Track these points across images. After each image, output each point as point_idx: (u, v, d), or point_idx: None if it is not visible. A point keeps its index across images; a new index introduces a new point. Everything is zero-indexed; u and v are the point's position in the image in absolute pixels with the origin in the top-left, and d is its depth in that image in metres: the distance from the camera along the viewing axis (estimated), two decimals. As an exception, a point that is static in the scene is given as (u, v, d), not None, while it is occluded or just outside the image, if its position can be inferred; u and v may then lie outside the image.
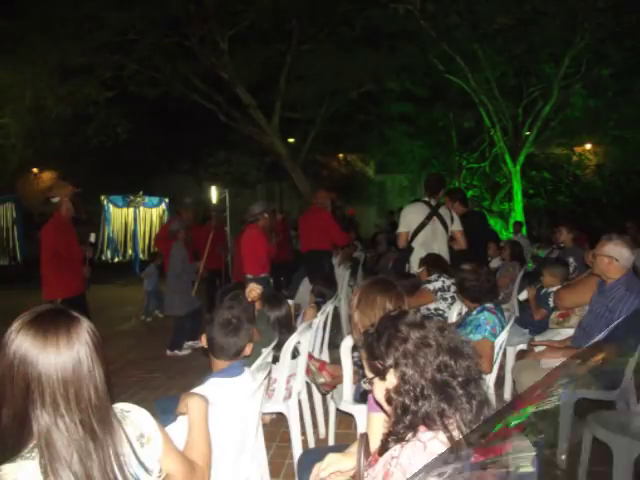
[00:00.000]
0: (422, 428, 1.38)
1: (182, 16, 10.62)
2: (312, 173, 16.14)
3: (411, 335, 1.46)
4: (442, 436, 1.35)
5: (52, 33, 10.22)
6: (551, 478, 3.20)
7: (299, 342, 3.38)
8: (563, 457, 3.30)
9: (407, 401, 1.41)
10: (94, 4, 9.94)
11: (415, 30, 11.09)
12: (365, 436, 1.73)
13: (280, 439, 3.84)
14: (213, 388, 2.04)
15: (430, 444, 1.34)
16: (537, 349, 3.85)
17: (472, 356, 1.46)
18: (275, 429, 3.98)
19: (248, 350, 2.35)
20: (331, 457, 1.86)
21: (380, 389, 1.52)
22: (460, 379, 1.40)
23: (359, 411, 2.97)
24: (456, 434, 1.34)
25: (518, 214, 12.91)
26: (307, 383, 3.81)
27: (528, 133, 13.04)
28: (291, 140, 14.59)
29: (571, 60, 11.40)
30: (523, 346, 4.51)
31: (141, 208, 11.89)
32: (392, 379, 1.47)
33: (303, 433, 3.61)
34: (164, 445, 1.42)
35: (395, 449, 1.39)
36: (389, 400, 1.47)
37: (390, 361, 1.46)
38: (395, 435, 1.42)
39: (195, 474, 1.54)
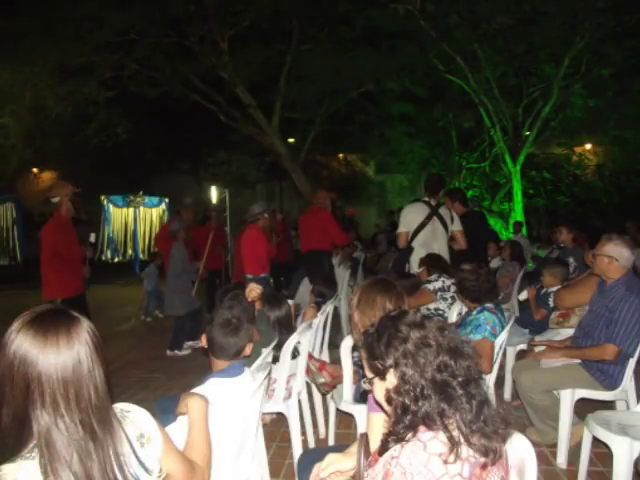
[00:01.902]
0: (422, 428, 1.38)
1: (182, 16, 10.61)
2: (312, 173, 16.13)
3: (411, 335, 1.46)
4: (442, 436, 1.35)
5: (52, 33, 10.22)
6: (551, 478, 3.21)
7: (299, 342, 3.38)
8: (563, 457, 3.32)
9: (407, 401, 1.40)
10: (94, 4, 9.94)
11: (415, 30, 11.07)
12: (365, 436, 1.73)
13: (280, 439, 3.84)
14: (213, 388, 2.05)
15: (430, 444, 1.34)
16: (537, 349, 3.86)
17: (472, 356, 1.46)
18: (275, 429, 3.98)
19: (248, 350, 2.35)
20: (331, 457, 1.86)
21: (380, 389, 1.52)
22: (460, 379, 1.40)
23: (359, 411, 2.97)
24: (456, 434, 1.34)
25: (518, 214, 12.91)
26: (307, 383, 3.81)
27: (528, 133, 13.04)
28: (291, 140, 14.58)
29: (571, 60, 11.40)
30: (523, 346, 4.53)
31: (141, 208, 11.88)
32: (392, 379, 1.47)
33: (303, 433, 3.61)
34: (164, 445, 1.42)
35: (395, 449, 1.39)
36: (389, 400, 1.47)
37: (390, 361, 1.46)
38: (395, 435, 1.42)
39: (195, 474, 1.54)
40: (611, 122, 13.18)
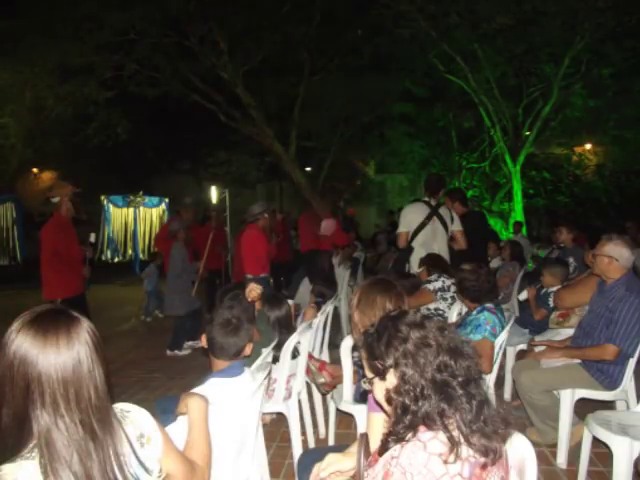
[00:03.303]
0: (422, 428, 1.39)
1: (182, 16, 10.62)
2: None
3: (411, 335, 1.46)
4: (442, 436, 1.35)
5: (52, 33, 10.22)
6: (551, 478, 3.22)
7: (299, 342, 3.38)
8: (563, 457, 3.32)
9: (407, 401, 1.41)
10: (94, 4, 9.93)
11: (415, 31, 11.09)
12: (365, 436, 1.73)
13: (280, 439, 3.85)
14: (213, 388, 2.05)
15: (430, 444, 1.34)
16: (537, 349, 3.86)
17: (472, 356, 1.47)
18: (275, 429, 3.99)
19: (248, 350, 2.35)
20: (331, 457, 1.87)
21: (380, 389, 1.53)
22: (460, 379, 1.40)
23: (359, 411, 2.97)
24: (456, 434, 1.35)
25: (518, 214, 12.91)
26: (307, 383, 3.81)
27: (528, 133, 13.03)
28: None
29: (571, 60, 11.40)
30: (523, 346, 4.53)
31: (141, 208, 11.90)
32: (392, 379, 1.47)
33: (303, 433, 3.61)
34: (164, 445, 1.42)
35: (395, 449, 1.39)
36: (389, 400, 1.48)
37: (390, 361, 1.47)
38: (395, 435, 1.42)
39: (195, 474, 1.54)
40: (611, 122, 13.18)
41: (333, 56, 11.96)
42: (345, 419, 3.67)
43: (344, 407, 3.26)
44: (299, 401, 3.59)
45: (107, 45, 10.53)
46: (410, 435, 1.39)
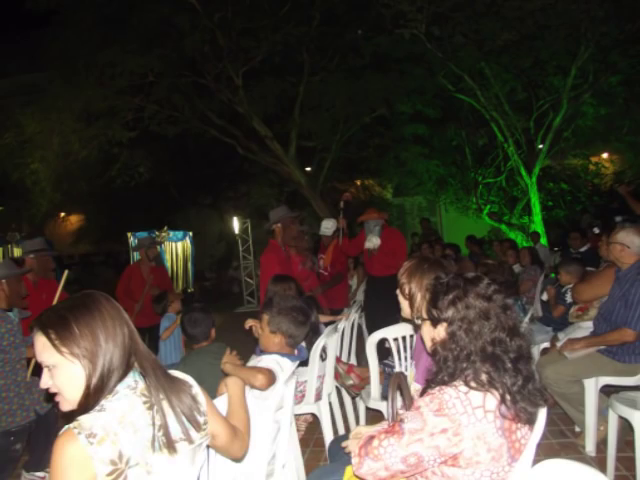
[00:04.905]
0: (459, 383, 1.53)
1: (197, 56, 11.04)
2: (331, 200, 16.30)
3: (476, 304, 1.58)
4: (479, 392, 1.50)
5: (75, 81, 10.70)
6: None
7: (326, 345, 3.50)
8: (592, 445, 3.35)
9: (450, 357, 1.55)
10: (113, 51, 10.40)
11: (423, 53, 11.32)
12: (401, 375, 1.86)
13: (314, 444, 3.97)
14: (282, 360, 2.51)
15: (469, 394, 1.49)
16: (558, 343, 3.93)
17: (526, 336, 1.61)
18: (309, 436, 4.11)
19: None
20: (359, 428, 2.01)
21: (428, 332, 1.68)
22: (512, 355, 1.53)
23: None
24: (498, 395, 1.49)
25: (537, 226, 12.87)
26: (337, 388, 3.92)
27: (541, 146, 13.04)
28: (308, 169, 14.83)
29: (578, 71, 11.47)
30: (547, 344, 4.58)
31: (166, 242, 12.19)
32: (442, 332, 1.61)
33: (335, 433, 3.71)
34: (207, 406, 1.55)
35: (434, 390, 1.54)
36: (434, 352, 1.63)
37: (447, 316, 1.60)
38: (435, 383, 1.57)
39: (237, 437, 1.66)
40: (624, 129, 13.12)
41: (333, 56, 12.01)
42: (375, 419, 3.77)
43: (372, 404, 3.38)
44: (330, 404, 3.70)
45: (128, 88, 10.98)
46: (449, 384, 1.53)
